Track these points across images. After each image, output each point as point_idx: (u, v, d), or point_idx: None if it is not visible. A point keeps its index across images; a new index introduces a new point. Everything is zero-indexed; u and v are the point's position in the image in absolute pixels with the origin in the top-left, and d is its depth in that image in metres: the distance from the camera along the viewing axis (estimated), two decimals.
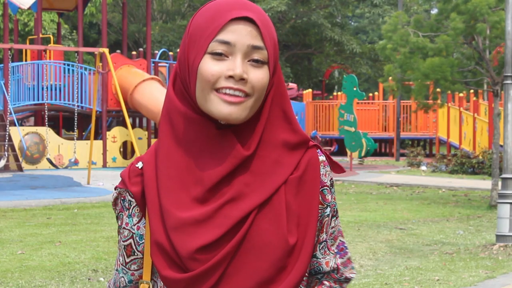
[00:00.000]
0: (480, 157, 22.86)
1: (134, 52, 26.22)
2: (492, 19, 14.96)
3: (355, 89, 26.92)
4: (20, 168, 20.48)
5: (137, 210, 1.80)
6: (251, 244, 1.72)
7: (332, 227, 1.87)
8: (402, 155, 30.22)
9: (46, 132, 21.53)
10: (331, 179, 1.84)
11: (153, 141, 24.78)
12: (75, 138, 21.04)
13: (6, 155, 20.11)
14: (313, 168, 1.80)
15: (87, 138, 23.74)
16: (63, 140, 23.00)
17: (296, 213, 1.76)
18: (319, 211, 1.82)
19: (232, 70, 1.68)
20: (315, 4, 37.57)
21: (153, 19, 40.33)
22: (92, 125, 18.12)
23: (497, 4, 15.28)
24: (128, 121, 17.94)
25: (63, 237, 10.83)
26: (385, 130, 33.11)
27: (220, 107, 1.68)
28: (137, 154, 17.34)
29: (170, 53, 27.52)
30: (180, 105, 1.73)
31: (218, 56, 1.69)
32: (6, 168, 20.09)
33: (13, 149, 20.66)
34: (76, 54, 22.21)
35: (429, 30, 16.12)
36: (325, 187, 1.83)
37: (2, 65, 23.17)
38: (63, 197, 15.05)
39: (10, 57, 20.83)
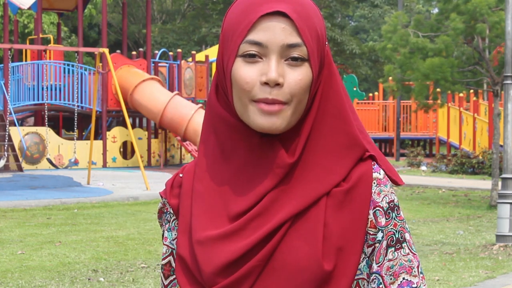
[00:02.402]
0: (480, 157, 22.86)
1: (134, 52, 26.23)
2: (492, 19, 14.96)
3: (355, 89, 26.95)
4: (20, 168, 20.48)
5: (177, 223, 1.63)
6: (280, 263, 1.50)
7: (390, 260, 1.54)
8: (402, 155, 30.22)
9: (46, 132, 21.53)
10: (391, 201, 1.56)
11: (153, 141, 24.79)
12: (75, 138, 21.04)
13: (6, 155, 20.11)
14: (365, 184, 1.55)
15: (87, 138, 23.74)
16: (63, 140, 23.01)
17: (336, 234, 1.51)
18: (371, 236, 1.54)
19: (265, 75, 1.48)
20: (315, 4, 37.56)
21: (153, 19, 40.33)
22: (92, 125, 18.13)
23: (497, 4, 15.29)
24: (128, 121, 17.93)
25: (63, 237, 10.83)
26: (385, 130, 33.10)
27: (258, 119, 1.49)
28: (137, 154, 17.34)
29: (170, 53, 27.52)
30: (223, 111, 1.55)
31: (251, 58, 1.50)
32: (6, 168, 20.09)
33: (13, 149, 20.66)
34: (76, 54, 22.22)
35: (429, 30, 16.13)
36: (378, 208, 1.54)
37: (2, 65, 23.17)
38: (63, 197, 15.05)
39: (10, 57, 20.83)
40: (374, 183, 1.55)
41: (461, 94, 26.92)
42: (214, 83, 1.59)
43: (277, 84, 1.49)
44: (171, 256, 1.64)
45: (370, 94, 35.33)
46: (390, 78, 18.48)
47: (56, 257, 9.38)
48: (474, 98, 26.77)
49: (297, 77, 1.49)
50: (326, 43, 1.58)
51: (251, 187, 1.53)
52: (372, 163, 1.57)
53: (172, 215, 1.64)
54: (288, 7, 1.49)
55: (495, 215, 12.33)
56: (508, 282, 8.46)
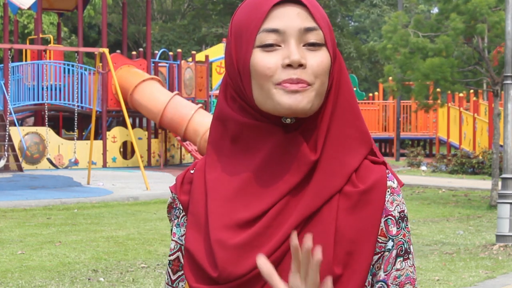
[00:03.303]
0: (480, 157, 22.86)
1: (134, 52, 26.23)
2: (492, 19, 14.96)
3: (355, 89, 26.92)
4: (20, 168, 20.48)
5: (186, 220, 1.61)
6: (290, 265, 1.46)
7: (398, 270, 1.55)
8: (402, 155, 30.22)
9: (46, 132, 21.53)
10: (402, 211, 1.56)
11: (153, 141, 24.79)
12: (75, 138, 21.05)
13: (6, 155, 20.11)
14: (379, 192, 1.54)
15: (87, 138, 23.74)
16: (63, 140, 23.01)
17: (347, 238, 1.51)
18: (380, 244, 1.54)
19: (288, 57, 1.48)
20: None
21: (153, 19, 40.33)
22: (92, 125, 18.12)
23: (497, 4, 15.29)
24: (128, 121, 17.93)
25: (63, 237, 10.83)
26: (385, 130, 33.11)
27: (284, 99, 1.47)
28: (137, 154, 17.34)
29: (170, 53, 27.52)
30: (240, 117, 1.53)
31: (270, 47, 1.49)
32: (6, 168, 20.09)
33: (13, 149, 20.66)
34: (76, 54, 22.22)
35: (429, 30, 16.12)
36: (390, 217, 1.55)
37: (2, 65, 23.17)
38: (63, 197, 15.05)
39: (10, 57, 20.83)
40: (388, 191, 1.55)
41: (461, 94, 26.92)
42: (223, 93, 1.57)
43: (301, 65, 1.48)
44: (179, 252, 1.63)
45: (370, 94, 35.34)
46: (390, 78, 18.48)
47: (56, 257, 9.38)
48: (474, 98, 26.77)
49: (319, 59, 1.50)
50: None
51: (275, 184, 1.52)
52: (386, 171, 1.57)
53: (181, 211, 1.62)
54: None
55: (495, 215, 12.33)
56: (508, 282, 8.46)
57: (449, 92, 21.19)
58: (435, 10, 21.75)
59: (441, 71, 15.23)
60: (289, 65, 1.48)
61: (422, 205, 15.60)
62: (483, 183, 19.35)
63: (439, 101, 17.41)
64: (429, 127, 33.01)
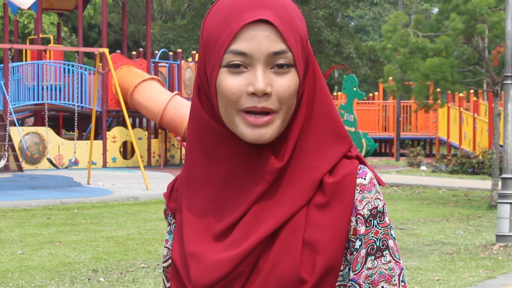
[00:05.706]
0: (480, 157, 22.86)
1: (134, 52, 26.23)
2: (492, 19, 14.96)
3: (355, 89, 26.94)
4: (20, 168, 20.48)
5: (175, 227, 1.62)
6: (259, 273, 1.49)
7: (369, 268, 1.50)
8: (402, 155, 30.22)
9: (46, 132, 21.53)
10: (374, 208, 1.50)
11: (153, 141, 24.78)
12: (75, 138, 21.04)
13: (6, 155, 20.11)
14: (348, 192, 1.50)
15: (87, 138, 23.74)
16: (63, 140, 23.01)
17: (315, 242, 1.49)
18: (353, 243, 1.51)
19: (252, 85, 1.44)
20: (315, 5, 37.54)
21: (153, 19, 40.33)
22: (92, 125, 18.12)
23: (497, 4, 15.29)
24: (128, 121, 17.93)
25: (63, 237, 10.83)
26: (385, 130, 33.11)
27: (247, 132, 1.46)
28: (137, 154, 17.33)
29: (170, 53, 27.52)
30: (208, 118, 1.51)
31: (236, 68, 1.45)
32: (6, 168, 20.09)
33: (13, 149, 20.66)
34: (76, 54, 22.22)
35: (429, 30, 16.13)
36: (359, 216, 1.50)
37: (2, 65, 23.17)
38: (63, 197, 15.05)
39: (10, 57, 20.82)
40: (357, 189, 1.50)
41: (461, 94, 26.92)
42: (196, 88, 1.55)
43: (266, 94, 1.45)
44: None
45: (370, 94, 35.34)
46: (390, 78, 18.48)
47: (56, 257, 9.38)
48: (474, 98, 26.77)
49: (285, 84, 1.46)
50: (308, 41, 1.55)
51: (242, 195, 1.50)
52: (358, 166, 1.52)
53: (172, 218, 1.64)
54: (270, 13, 1.45)
55: (495, 215, 12.33)
56: (508, 282, 8.46)
57: (449, 92, 21.19)
58: (435, 10, 21.76)
59: (441, 71, 15.23)
60: (254, 93, 1.45)
61: (422, 205, 15.59)
62: (483, 183, 19.35)
63: (439, 101, 17.40)
64: (429, 127, 33.02)
